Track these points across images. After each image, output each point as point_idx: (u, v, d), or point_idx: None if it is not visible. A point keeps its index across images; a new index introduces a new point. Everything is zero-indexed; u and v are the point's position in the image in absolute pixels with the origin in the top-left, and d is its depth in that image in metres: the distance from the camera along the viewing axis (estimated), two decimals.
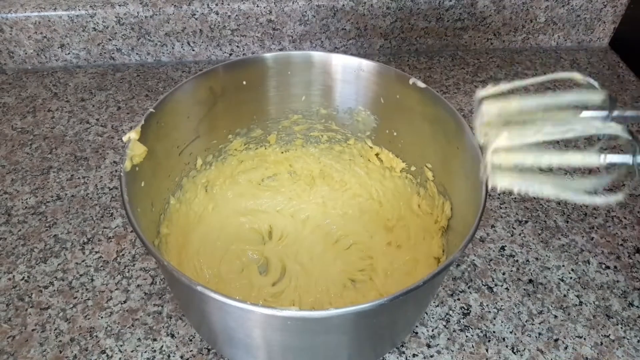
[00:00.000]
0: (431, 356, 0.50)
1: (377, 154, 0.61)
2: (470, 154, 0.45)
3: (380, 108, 0.57)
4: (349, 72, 0.55)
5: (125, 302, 0.54)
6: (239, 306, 0.35)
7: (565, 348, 0.51)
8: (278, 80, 0.57)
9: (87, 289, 0.55)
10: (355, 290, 0.54)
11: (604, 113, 0.35)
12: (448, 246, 0.53)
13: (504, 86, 0.38)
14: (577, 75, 0.37)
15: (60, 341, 0.51)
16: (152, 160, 0.48)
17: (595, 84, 0.36)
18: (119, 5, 0.79)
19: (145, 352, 0.50)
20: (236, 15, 0.81)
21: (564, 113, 0.36)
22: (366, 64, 0.54)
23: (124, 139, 0.45)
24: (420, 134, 0.54)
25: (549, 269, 0.58)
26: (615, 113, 0.35)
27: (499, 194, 0.66)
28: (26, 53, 0.83)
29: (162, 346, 0.50)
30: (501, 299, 0.55)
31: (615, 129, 0.35)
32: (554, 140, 0.36)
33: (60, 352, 0.50)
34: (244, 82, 0.55)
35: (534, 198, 0.65)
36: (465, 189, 0.47)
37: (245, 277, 0.55)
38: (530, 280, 0.57)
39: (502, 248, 0.60)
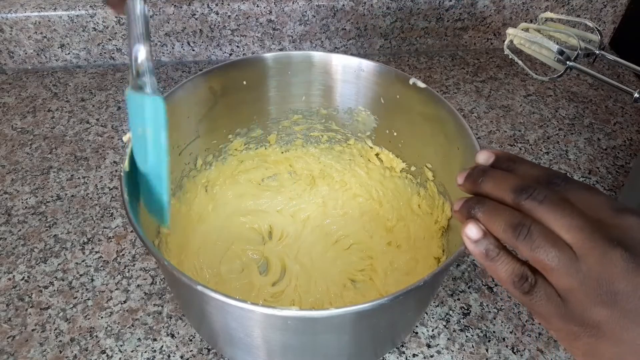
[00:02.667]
0: (431, 356, 0.50)
1: (377, 154, 0.61)
2: (471, 154, 0.45)
3: (381, 108, 0.57)
4: (349, 72, 0.55)
5: (125, 302, 0.54)
6: (239, 306, 0.35)
7: (565, 348, 0.51)
8: (278, 80, 0.57)
9: (87, 289, 0.55)
10: (355, 290, 0.54)
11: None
12: (448, 246, 0.53)
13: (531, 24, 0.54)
14: (589, 22, 0.52)
15: (60, 341, 0.51)
16: None
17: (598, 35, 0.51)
18: None
19: (145, 352, 0.50)
20: (236, 15, 0.81)
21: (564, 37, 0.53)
22: (366, 64, 0.54)
23: (124, 138, 0.45)
24: (420, 134, 0.54)
25: None
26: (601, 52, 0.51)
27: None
28: (26, 53, 0.83)
29: (162, 346, 0.50)
30: (501, 299, 0.55)
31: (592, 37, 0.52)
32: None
33: (60, 352, 0.50)
34: (244, 82, 0.55)
35: None
36: None
37: (245, 277, 0.55)
38: None
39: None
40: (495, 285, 0.56)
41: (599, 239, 0.27)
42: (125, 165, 0.42)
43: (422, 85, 0.51)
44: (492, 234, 0.30)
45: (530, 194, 0.28)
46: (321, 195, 0.63)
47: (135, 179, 0.42)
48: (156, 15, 0.80)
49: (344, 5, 0.81)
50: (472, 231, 0.30)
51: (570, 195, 0.29)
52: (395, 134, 0.57)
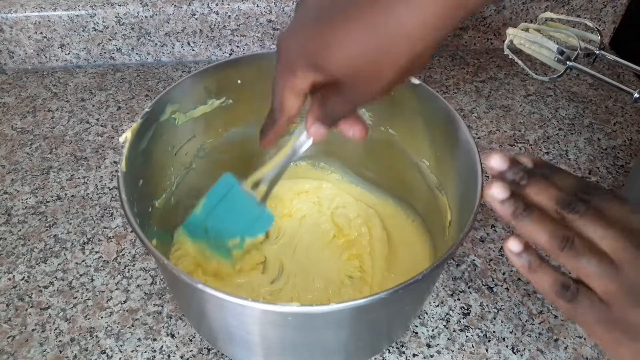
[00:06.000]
0: (431, 356, 0.50)
1: None
2: (466, 150, 0.45)
3: (376, 105, 0.56)
4: None
5: (125, 302, 0.54)
6: (238, 303, 0.35)
7: (565, 348, 0.51)
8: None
9: (87, 289, 0.55)
10: (353, 287, 0.54)
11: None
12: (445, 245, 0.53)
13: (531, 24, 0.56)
14: (589, 22, 0.54)
15: (60, 341, 0.51)
16: (149, 160, 0.48)
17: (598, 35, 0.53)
18: (119, 5, 0.79)
19: (145, 352, 0.50)
20: (236, 15, 0.81)
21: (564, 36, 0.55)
22: None
23: (121, 139, 0.45)
24: (416, 131, 0.54)
25: None
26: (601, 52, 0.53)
27: None
28: (26, 53, 0.83)
29: (162, 346, 0.50)
30: (501, 299, 0.55)
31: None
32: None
33: (60, 352, 0.50)
34: (239, 82, 0.55)
35: None
36: (461, 185, 0.47)
37: (243, 276, 0.55)
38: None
39: (502, 248, 0.60)
40: (495, 285, 0.56)
41: (632, 247, 0.29)
42: (122, 165, 0.42)
43: (416, 81, 0.50)
44: (530, 245, 0.32)
45: (573, 208, 0.30)
46: (317, 195, 0.63)
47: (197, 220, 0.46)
48: (156, 15, 0.80)
49: None
50: (514, 245, 0.32)
51: (604, 206, 0.31)
52: (390, 130, 0.57)
